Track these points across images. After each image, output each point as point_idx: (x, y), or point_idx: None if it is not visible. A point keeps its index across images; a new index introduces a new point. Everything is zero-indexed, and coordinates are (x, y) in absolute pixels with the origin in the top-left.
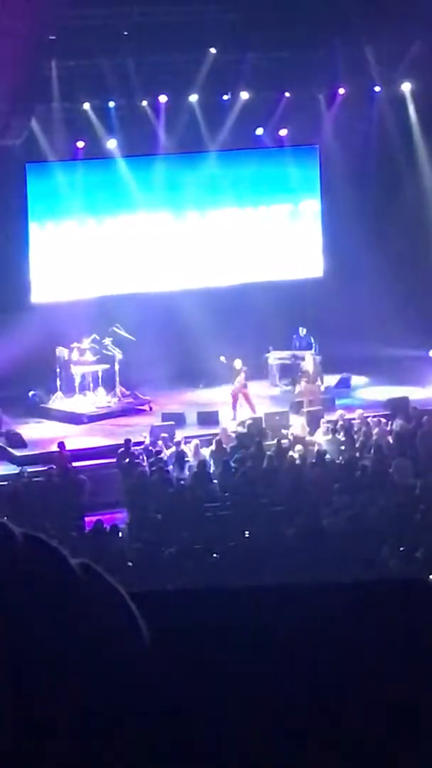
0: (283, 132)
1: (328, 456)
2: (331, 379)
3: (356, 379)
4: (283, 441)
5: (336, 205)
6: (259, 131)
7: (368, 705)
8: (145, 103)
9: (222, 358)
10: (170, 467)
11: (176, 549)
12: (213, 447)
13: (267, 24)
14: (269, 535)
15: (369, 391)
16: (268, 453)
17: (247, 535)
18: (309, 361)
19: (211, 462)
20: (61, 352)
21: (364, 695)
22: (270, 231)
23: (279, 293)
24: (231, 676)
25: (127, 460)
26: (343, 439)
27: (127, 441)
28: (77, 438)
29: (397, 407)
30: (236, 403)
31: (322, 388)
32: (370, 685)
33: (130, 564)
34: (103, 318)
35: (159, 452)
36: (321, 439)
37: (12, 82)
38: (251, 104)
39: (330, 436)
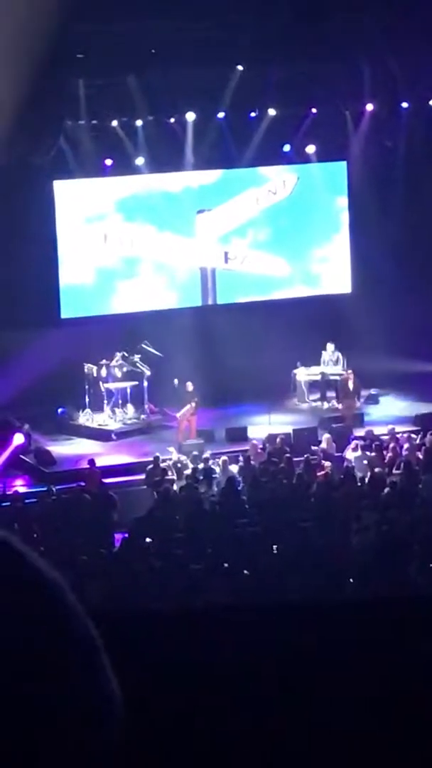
0: (310, 148)
1: (357, 472)
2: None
3: (385, 395)
4: (311, 457)
5: (364, 221)
6: (287, 147)
7: (400, 720)
8: (172, 120)
9: (175, 381)
10: (199, 484)
11: (204, 566)
12: (242, 463)
13: (294, 40)
14: (298, 552)
15: (398, 407)
16: (297, 470)
17: (275, 551)
18: (350, 377)
19: (240, 478)
20: (90, 368)
21: (396, 709)
22: (297, 246)
23: (307, 309)
24: (259, 690)
25: (155, 476)
26: (371, 455)
27: (156, 458)
28: (106, 455)
29: (427, 423)
30: (181, 429)
31: (358, 404)
32: (400, 698)
33: (159, 581)
34: (132, 334)
35: (188, 468)
36: (350, 455)
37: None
38: (278, 120)
39: (359, 453)
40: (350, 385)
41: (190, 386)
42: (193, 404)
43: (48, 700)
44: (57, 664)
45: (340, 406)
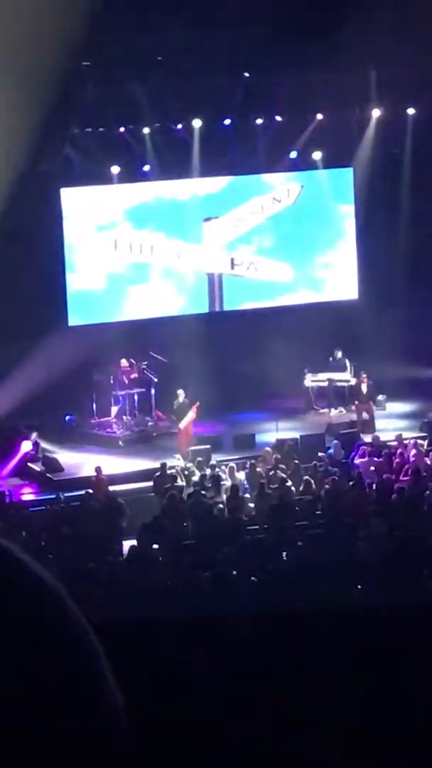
0: (317, 155)
1: (364, 478)
2: None
3: (392, 402)
4: (319, 464)
5: (371, 227)
6: (293, 154)
7: (410, 726)
8: (179, 126)
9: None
10: (206, 491)
11: (212, 573)
12: (249, 470)
13: (300, 47)
14: (305, 559)
15: (405, 413)
16: (305, 477)
17: (283, 558)
18: (365, 382)
19: (247, 485)
20: (98, 375)
21: (403, 713)
22: (303, 252)
23: (315, 316)
24: (267, 696)
25: (163, 483)
26: (379, 461)
27: (163, 465)
28: (113, 462)
29: None
30: (182, 438)
31: (375, 408)
32: (408, 703)
33: (167, 588)
34: (139, 341)
35: (195, 475)
36: (357, 461)
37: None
38: (285, 127)
39: (366, 459)
40: (364, 389)
41: (181, 395)
42: (194, 412)
43: (47, 710)
44: (56, 673)
45: (354, 411)
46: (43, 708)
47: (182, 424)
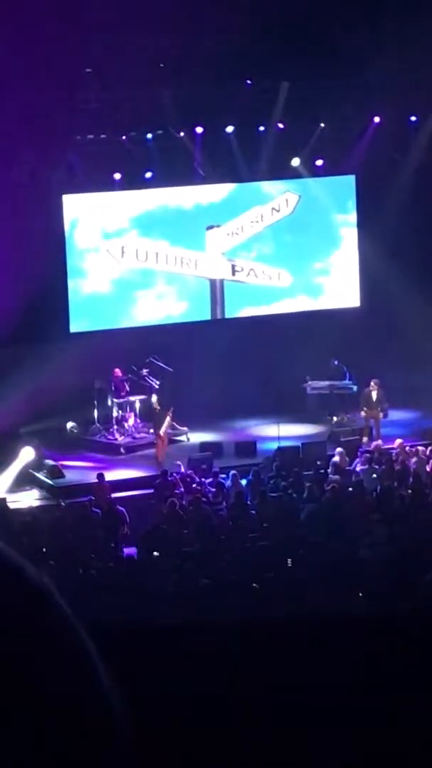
0: (318, 162)
1: (366, 486)
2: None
3: (394, 409)
4: (320, 471)
5: (373, 235)
6: (295, 161)
7: (408, 732)
8: (182, 134)
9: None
10: (208, 497)
11: (214, 580)
12: (250, 477)
13: (302, 54)
14: (307, 566)
15: (406, 420)
16: (307, 484)
17: (284, 565)
18: (375, 388)
19: (249, 492)
20: (99, 382)
21: (404, 722)
22: (303, 259)
23: (316, 323)
24: (267, 704)
25: (164, 490)
26: (381, 469)
27: (165, 471)
28: (115, 469)
29: None
30: (164, 444)
31: (380, 416)
32: (409, 711)
33: (168, 596)
34: (141, 348)
35: (196, 482)
36: (359, 469)
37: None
38: (287, 134)
39: (367, 466)
40: (374, 396)
41: (155, 401)
42: (169, 417)
43: (38, 711)
44: (45, 672)
45: (362, 417)
46: (29, 709)
47: (162, 431)
